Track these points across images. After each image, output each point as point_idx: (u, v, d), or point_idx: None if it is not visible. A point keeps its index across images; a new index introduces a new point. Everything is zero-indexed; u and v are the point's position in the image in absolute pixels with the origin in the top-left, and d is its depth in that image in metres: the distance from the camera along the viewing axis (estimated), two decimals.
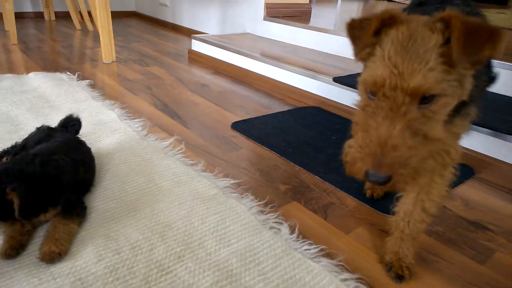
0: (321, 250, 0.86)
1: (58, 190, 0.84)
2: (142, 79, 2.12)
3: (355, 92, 1.70)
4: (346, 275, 0.79)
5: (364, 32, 0.58)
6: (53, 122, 1.21)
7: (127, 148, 1.26)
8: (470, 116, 0.69)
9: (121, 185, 1.04)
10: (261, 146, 1.39)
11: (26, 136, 1.06)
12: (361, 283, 0.77)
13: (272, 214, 0.98)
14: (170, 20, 3.90)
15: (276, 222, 0.94)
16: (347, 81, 1.75)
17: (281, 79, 2.08)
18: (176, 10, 3.78)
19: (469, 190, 1.18)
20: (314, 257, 0.83)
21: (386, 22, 0.57)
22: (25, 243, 0.79)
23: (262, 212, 0.98)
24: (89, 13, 3.43)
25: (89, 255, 0.78)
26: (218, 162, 1.25)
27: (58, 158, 0.89)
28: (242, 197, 1.04)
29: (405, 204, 0.79)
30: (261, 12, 2.78)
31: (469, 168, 1.30)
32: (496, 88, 1.65)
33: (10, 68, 2.12)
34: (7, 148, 1.02)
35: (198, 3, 3.41)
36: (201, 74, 2.31)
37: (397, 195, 0.81)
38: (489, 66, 0.73)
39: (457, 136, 0.70)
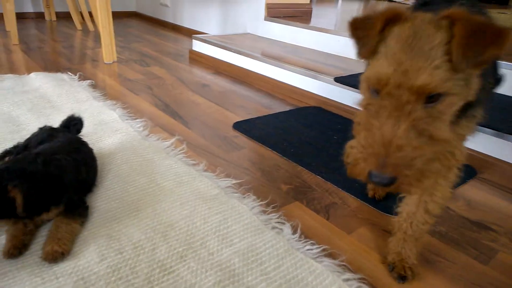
0: (323, 250, 0.86)
1: (60, 189, 0.84)
2: (143, 79, 2.12)
3: (357, 92, 1.70)
4: (348, 275, 0.79)
5: (369, 33, 0.56)
6: (55, 122, 1.21)
7: (128, 148, 1.26)
8: (476, 118, 0.67)
9: (123, 185, 1.04)
10: (262, 146, 1.39)
11: (28, 136, 1.06)
12: (363, 283, 0.77)
13: (274, 214, 0.97)
14: (171, 20, 3.90)
15: (278, 222, 0.94)
16: (348, 81, 1.75)
17: (282, 79, 2.07)
18: (176, 10, 3.78)
19: (472, 190, 1.18)
20: (317, 257, 0.83)
21: (390, 20, 0.56)
22: (28, 243, 0.79)
23: (264, 212, 0.98)
24: (90, 13, 3.43)
25: (92, 254, 0.78)
26: (220, 162, 1.25)
27: (61, 158, 0.89)
28: (244, 197, 1.04)
29: (408, 205, 0.79)
30: (262, 12, 2.78)
31: (472, 168, 1.30)
32: (499, 88, 1.65)
33: (11, 69, 2.12)
34: (9, 148, 1.03)
35: (199, 3, 3.41)
36: (202, 74, 2.31)
37: (400, 195, 0.81)
38: (495, 68, 0.72)
39: (462, 138, 0.69)
